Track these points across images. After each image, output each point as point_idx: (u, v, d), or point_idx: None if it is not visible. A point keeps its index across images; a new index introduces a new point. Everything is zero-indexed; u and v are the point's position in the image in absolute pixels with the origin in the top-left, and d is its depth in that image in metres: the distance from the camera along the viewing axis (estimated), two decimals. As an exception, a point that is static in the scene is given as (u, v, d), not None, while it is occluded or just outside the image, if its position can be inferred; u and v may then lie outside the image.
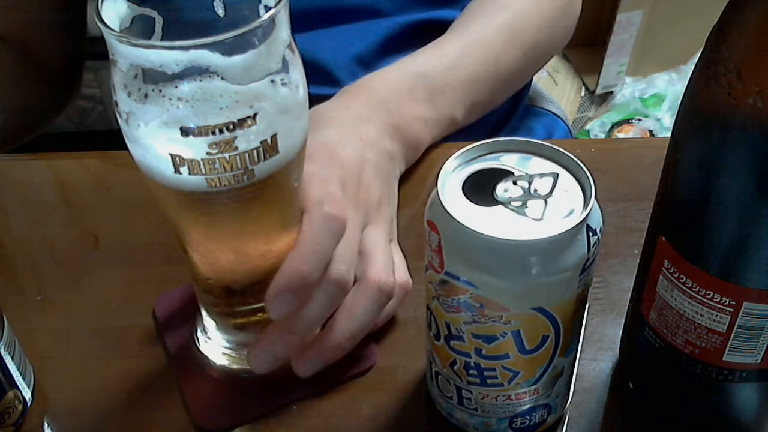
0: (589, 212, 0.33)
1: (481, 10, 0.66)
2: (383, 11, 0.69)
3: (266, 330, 0.43)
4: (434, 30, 0.68)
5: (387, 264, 0.45)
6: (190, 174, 0.37)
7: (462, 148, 0.36)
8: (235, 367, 0.47)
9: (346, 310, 0.44)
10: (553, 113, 0.84)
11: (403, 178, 0.56)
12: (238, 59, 0.35)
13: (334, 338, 0.44)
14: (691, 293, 0.36)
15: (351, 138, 0.51)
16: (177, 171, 0.37)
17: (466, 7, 0.68)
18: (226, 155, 0.36)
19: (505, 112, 0.74)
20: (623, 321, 0.45)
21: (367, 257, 0.45)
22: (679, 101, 0.35)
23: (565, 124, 0.84)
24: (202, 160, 0.36)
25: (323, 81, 0.67)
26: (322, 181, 0.44)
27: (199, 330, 0.48)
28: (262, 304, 0.45)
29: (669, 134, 0.36)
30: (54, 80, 0.72)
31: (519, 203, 0.34)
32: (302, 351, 0.44)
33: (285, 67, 0.38)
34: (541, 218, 0.34)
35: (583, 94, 1.69)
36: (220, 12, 0.39)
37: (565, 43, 0.72)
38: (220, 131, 0.36)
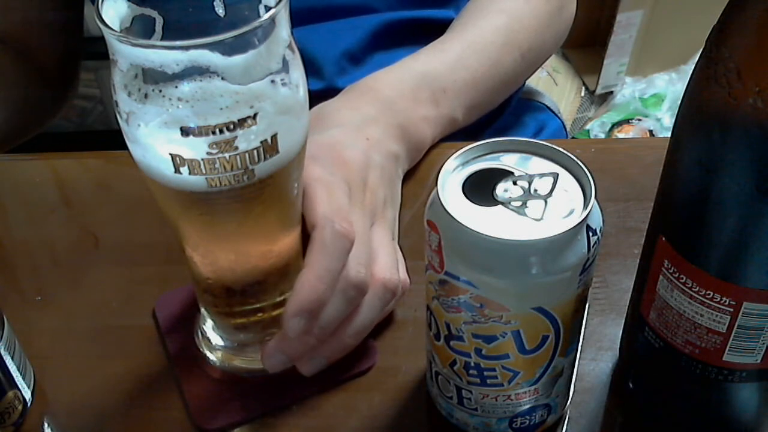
0: (589, 212, 0.33)
1: (479, 12, 0.66)
2: (375, 9, 0.70)
3: (281, 332, 0.43)
4: (424, 28, 0.69)
5: (392, 262, 0.46)
6: (190, 174, 0.37)
7: (462, 148, 0.36)
8: (235, 367, 0.47)
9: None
10: (546, 106, 0.84)
11: (404, 178, 0.56)
12: (238, 59, 0.35)
13: (338, 336, 0.44)
14: (691, 293, 0.36)
15: (357, 139, 0.51)
16: (177, 171, 0.37)
17: (462, 9, 0.68)
18: (227, 155, 0.36)
19: (497, 106, 0.73)
20: (623, 321, 0.45)
21: (372, 256, 0.45)
22: (679, 101, 0.35)
23: (558, 118, 0.84)
24: (202, 160, 0.36)
25: (312, 75, 0.67)
26: (328, 190, 0.44)
27: (199, 330, 0.48)
28: (262, 304, 0.45)
29: (669, 134, 0.36)
30: (52, 80, 0.72)
31: (519, 203, 0.34)
32: None
33: (285, 67, 0.38)
34: (541, 218, 0.34)
35: (583, 94, 1.69)
36: (220, 12, 0.39)
37: (559, 45, 0.73)
38: (221, 131, 0.36)
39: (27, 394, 0.45)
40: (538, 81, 1.54)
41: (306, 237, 0.43)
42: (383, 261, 0.45)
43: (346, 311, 0.43)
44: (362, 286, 0.43)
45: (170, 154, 0.36)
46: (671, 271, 0.37)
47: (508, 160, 0.36)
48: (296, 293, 0.41)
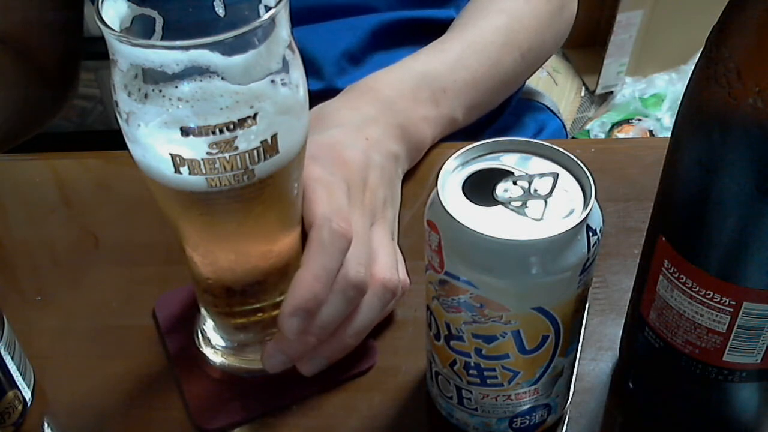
0: (589, 212, 0.33)
1: (479, 12, 0.66)
2: (375, 9, 0.70)
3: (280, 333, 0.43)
4: (424, 28, 0.69)
5: (391, 263, 0.46)
6: (190, 174, 0.37)
7: (462, 148, 0.36)
8: (235, 367, 0.47)
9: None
10: (546, 106, 0.84)
11: (404, 179, 0.56)
12: (238, 59, 0.35)
13: (338, 336, 0.44)
14: (691, 293, 0.36)
15: (356, 139, 0.51)
16: (177, 171, 0.37)
17: (463, 9, 0.68)
18: (227, 155, 0.36)
19: (497, 107, 0.74)
20: (623, 321, 0.45)
21: (372, 256, 0.45)
22: (679, 101, 0.35)
23: (558, 118, 0.84)
24: (202, 160, 0.36)
25: (312, 75, 0.67)
26: (328, 190, 0.44)
27: (199, 330, 0.48)
28: (262, 304, 0.45)
29: (669, 134, 0.36)
30: (52, 80, 0.72)
31: (519, 203, 0.34)
32: None
33: (285, 67, 0.38)
34: (541, 218, 0.34)
35: (583, 94, 1.69)
36: (220, 12, 0.39)
37: (560, 45, 0.73)
38: (221, 131, 0.36)
39: (27, 394, 0.45)
40: (538, 81, 1.54)
41: (306, 237, 0.43)
42: (383, 261, 0.45)
43: (346, 311, 0.43)
44: (362, 285, 0.43)
45: (170, 154, 0.36)
46: (671, 271, 0.37)
47: (508, 160, 0.36)
48: (292, 292, 0.41)
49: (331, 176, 0.46)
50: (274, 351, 0.43)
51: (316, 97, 0.50)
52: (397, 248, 0.49)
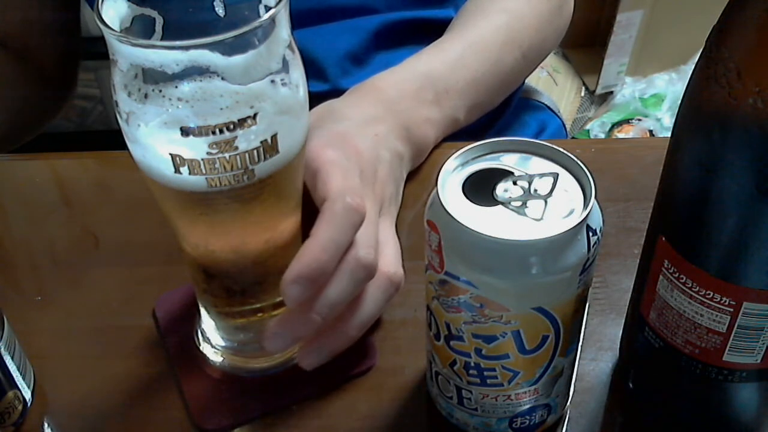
0: (589, 212, 0.33)
1: (479, 11, 0.66)
2: (375, 10, 0.70)
3: (285, 312, 0.42)
4: (425, 28, 0.69)
5: (397, 257, 0.46)
6: (190, 174, 0.37)
7: (462, 148, 0.36)
8: (235, 366, 0.47)
9: (355, 300, 0.44)
10: (546, 105, 0.84)
11: (405, 179, 0.56)
12: (238, 59, 0.35)
13: (341, 327, 0.43)
14: (691, 293, 0.36)
15: (366, 133, 0.51)
16: (177, 171, 0.37)
17: (462, 9, 0.68)
18: (227, 155, 0.36)
19: (498, 106, 0.74)
20: (623, 321, 0.45)
21: (378, 248, 0.45)
22: (679, 101, 0.35)
23: (558, 117, 0.84)
24: (202, 160, 0.36)
25: (314, 77, 0.67)
26: (343, 171, 0.44)
27: (199, 330, 0.48)
28: (262, 304, 0.45)
29: (669, 134, 0.36)
30: (52, 80, 0.72)
31: (519, 203, 0.34)
32: (309, 341, 0.43)
33: (285, 67, 0.38)
34: (541, 218, 0.34)
35: (583, 94, 1.69)
36: (220, 12, 0.39)
37: (558, 43, 0.73)
38: (221, 131, 0.36)
39: (27, 394, 0.45)
40: (538, 81, 1.54)
41: (306, 235, 0.43)
42: (389, 254, 0.45)
43: (353, 293, 0.42)
44: (371, 268, 0.42)
45: (170, 154, 0.36)
46: (671, 271, 0.37)
47: (508, 160, 0.36)
48: (297, 260, 0.40)
49: (345, 160, 0.46)
50: (279, 329, 0.42)
51: (321, 99, 0.50)
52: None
